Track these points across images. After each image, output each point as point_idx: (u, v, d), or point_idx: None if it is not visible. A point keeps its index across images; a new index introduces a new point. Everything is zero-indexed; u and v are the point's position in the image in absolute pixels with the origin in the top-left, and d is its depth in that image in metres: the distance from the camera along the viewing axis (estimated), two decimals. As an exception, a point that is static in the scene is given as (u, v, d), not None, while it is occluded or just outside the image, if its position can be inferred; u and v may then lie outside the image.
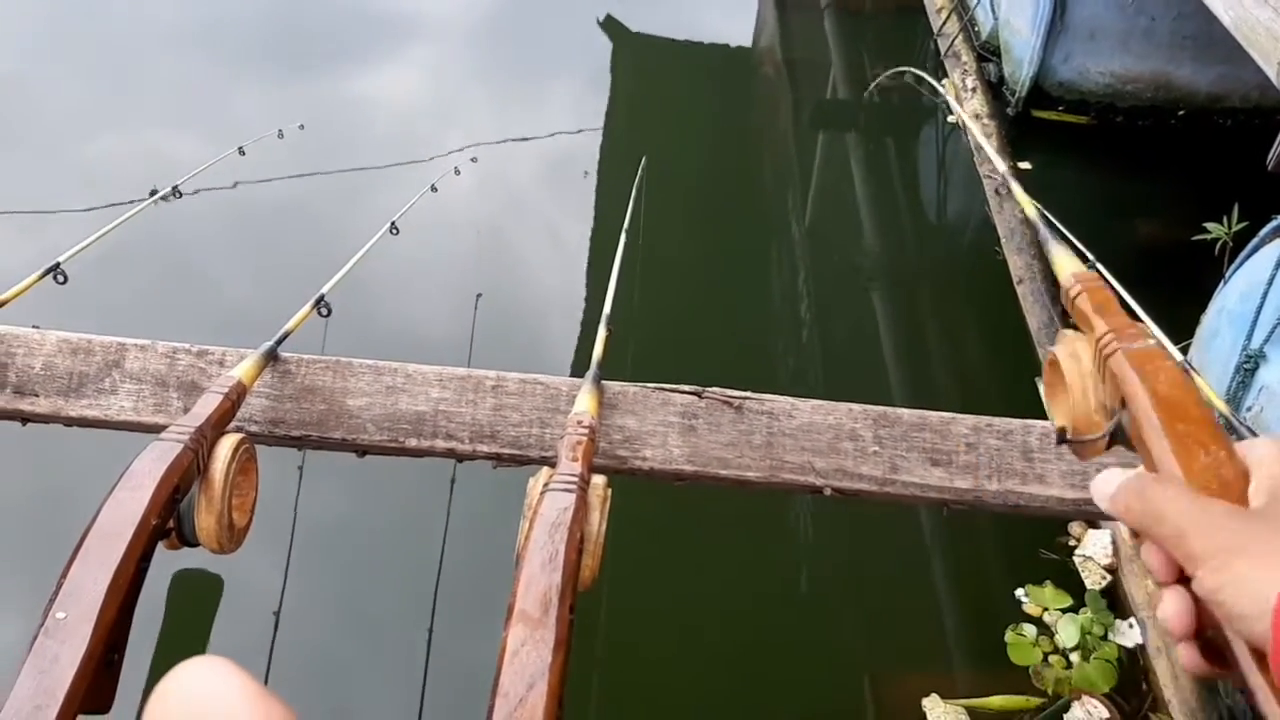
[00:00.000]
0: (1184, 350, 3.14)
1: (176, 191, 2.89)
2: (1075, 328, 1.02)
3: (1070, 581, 3.17)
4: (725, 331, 4.36)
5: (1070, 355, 1.05)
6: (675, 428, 1.67)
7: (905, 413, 1.71)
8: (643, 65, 6.48)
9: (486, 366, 1.77)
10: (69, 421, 1.68)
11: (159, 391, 1.68)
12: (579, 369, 1.77)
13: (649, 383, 1.72)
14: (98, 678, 1.08)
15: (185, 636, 2.97)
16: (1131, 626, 3.00)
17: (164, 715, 0.50)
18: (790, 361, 4.33)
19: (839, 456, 1.67)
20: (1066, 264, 1.38)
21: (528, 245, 4.82)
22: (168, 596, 2.99)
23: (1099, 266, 2.51)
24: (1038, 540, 3.29)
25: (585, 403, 1.56)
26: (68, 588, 1.13)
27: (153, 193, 2.77)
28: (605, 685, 2.94)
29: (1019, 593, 3.12)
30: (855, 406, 1.70)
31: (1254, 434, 1.63)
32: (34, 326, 1.72)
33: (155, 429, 1.64)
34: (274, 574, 3.05)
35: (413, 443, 1.68)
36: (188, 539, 1.39)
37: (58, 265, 2.02)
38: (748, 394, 1.70)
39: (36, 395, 1.66)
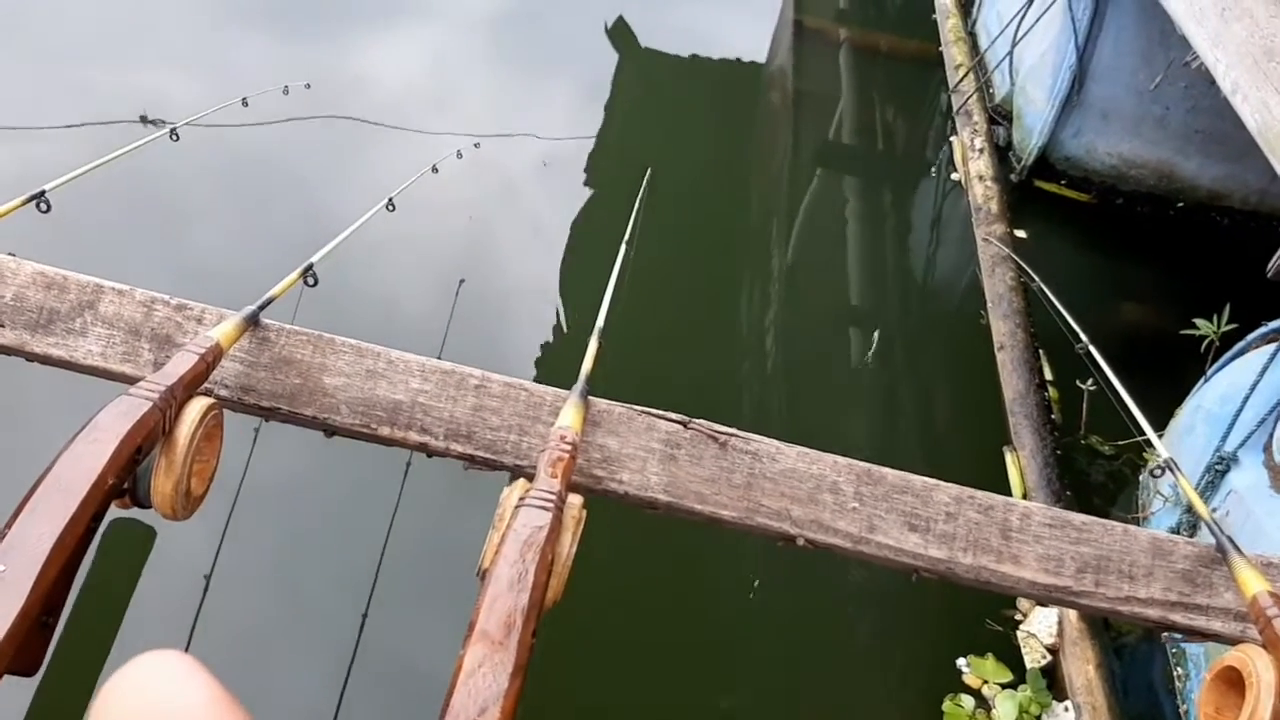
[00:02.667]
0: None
1: (174, 134, 2.81)
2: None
3: (1012, 655, 3.15)
4: (692, 352, 4.31)
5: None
6: (656, 454, 1.63)
7: (890, 473, 1.67)
8: (647, 76, 6.42)
9: (458, 353, 1.71)
10: (32, 357, 1.61)
11: (130, 340, 1.62)
12: (550, 374, 1.71)
13: (635, 404, 1.67)
14: (29, 638, 1.02)
15: (111, 588, 2.88)
16: (1067, 710, 2.99)
17: (119, 714, 0.45)
18: (755, 389, 4.29)
19: (817, 507, 1.63)
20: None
21: (516, 237, 4.76)
22: (98, 543, 2.90)
23: (1093, 350, 2.50)
24: (984, 610, 3.26)
25: (570, 417, 1.51)
26: (11, 539, 1.06)
27: (142, 121, 2.70)
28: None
29: (960, 662, 3.10)
30: (840, 459, 1.66)
31: (1229, 538, 1.62)
32: (10, 254, 1.65)
33: (121, 379, 1.58)
34: (211, 536, 2.96)
35: (385, 431, 1.62)
36: (141, 501, 1.33)
37: (43, 193, 1.95)
38: (734, 431, 1.66)
39: (2, 325, 1.59)
